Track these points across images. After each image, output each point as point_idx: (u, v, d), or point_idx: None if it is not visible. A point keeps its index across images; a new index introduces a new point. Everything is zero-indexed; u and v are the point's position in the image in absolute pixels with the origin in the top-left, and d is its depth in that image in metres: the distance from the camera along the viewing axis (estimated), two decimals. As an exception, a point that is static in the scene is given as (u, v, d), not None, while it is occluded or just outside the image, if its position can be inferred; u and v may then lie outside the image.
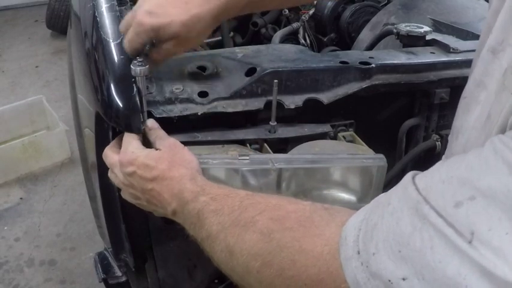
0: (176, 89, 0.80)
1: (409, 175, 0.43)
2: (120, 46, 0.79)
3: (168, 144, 0.72)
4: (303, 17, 1.45)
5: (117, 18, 0.83)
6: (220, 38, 1.63)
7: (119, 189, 0.78)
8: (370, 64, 0.88)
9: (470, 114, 0.54)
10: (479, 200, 0.35)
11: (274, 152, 0.81)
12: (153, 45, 0.74)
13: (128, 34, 0.74)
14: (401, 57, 0.93)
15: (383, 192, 0.77)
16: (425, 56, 0.95)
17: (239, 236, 0.55)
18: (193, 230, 0.64)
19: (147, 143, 0.75)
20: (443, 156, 0.66)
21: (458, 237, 0.35)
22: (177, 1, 0.72)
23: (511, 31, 0.44)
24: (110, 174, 0.77)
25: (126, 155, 0.71)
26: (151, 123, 0.76)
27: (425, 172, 0.42)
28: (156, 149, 0.72)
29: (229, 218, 0.58)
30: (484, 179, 0.35)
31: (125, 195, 0.76)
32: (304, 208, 0.54)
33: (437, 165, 0.41)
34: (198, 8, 0.72)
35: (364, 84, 0.87)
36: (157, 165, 0.68)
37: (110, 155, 0.75)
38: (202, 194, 0.63)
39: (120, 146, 0.74)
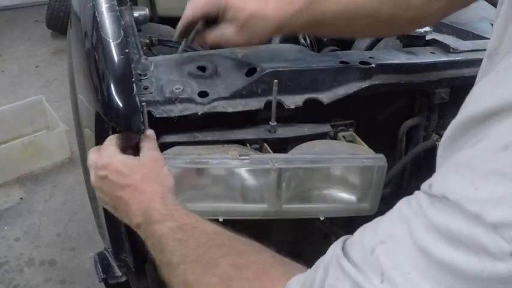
0: (176, 89, 0.80)
1: (342, 238, 0.46)
2: (120, 46, 0.79)
3: (150, 156, 0.71)
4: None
5: (117, 18, 0.84)
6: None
7: None
8: (370, 64, 0.88)
9: None
10: (388, 244, 0.39)
11: (274, 152, 0.81)
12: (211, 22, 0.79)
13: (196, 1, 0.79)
14: (401, 57, 0.93)
15: (382, 192, 0.77)
16: (425, 56, 0.95)
17: (199, 275, 0.56)
18: (153, 251, 0.64)
19: (136, 149, 0.75)
20: None
21: (372, 279, 0.38)
22: None
23: (504, 37, 0.45)
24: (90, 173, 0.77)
25: (102, 158, 0.71)
26: (150, 132, 0.76)
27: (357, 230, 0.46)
28: (135, 156, 0.72)
29: (193, 253, 0.58)
30: (395, 227, 0.39)
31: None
32: (265, 260, 0.55)
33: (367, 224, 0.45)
34: (270, 10, 0.77)
35: (364, 84, 0.87)
36: (131, 174, 0.68)
37: (91, 155, 0.75)
38: (170, 219, 0.63)
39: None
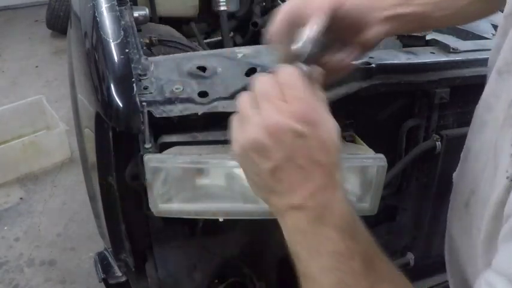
0: (176, 89, 0.80)
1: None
2: (120, 46, 0.79)
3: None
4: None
5: (117, 18, 0.84)
6: (220, 38, 1.63)
7: (119, 190, 0.77)
8: (370, 64, 0.88)
9: (478, 135, 0.54)
10: None
11: (274, 152, 0.80)
12: None
13: None
14: (401, 57, 0.93)
15: (382, 192, 0.77)
16: (425, 56, 0.95)
17: None
18: (314, 252, 0.48)
19: None
20: (455, 174, 0.64)
21: None
22: None
23: None
24: (236, 126, 0.53)
25: (309, 104, 0.46)
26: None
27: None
28: None
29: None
30: None
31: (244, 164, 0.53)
32: None
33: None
34: None
35: (364, 84, 0.87)
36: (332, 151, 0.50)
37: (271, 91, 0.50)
38: (350, 238, 0.48)
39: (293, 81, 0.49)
